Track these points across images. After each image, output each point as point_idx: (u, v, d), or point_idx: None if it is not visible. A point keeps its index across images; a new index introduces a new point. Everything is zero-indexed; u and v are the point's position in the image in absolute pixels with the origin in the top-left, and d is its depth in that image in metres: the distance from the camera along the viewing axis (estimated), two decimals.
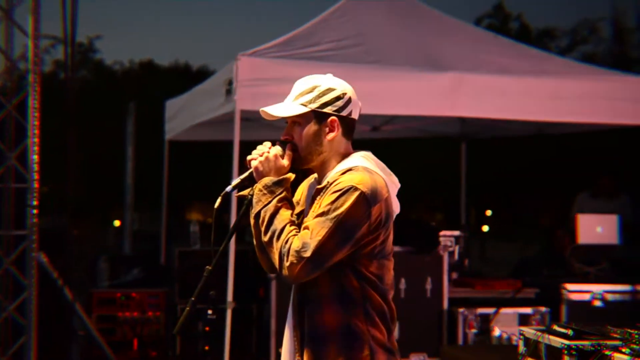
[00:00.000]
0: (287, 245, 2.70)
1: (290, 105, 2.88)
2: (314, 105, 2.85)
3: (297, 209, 2.97)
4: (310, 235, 2.68)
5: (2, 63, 6.55)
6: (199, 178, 19.06)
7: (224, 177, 6.59)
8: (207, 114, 7.32)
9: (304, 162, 2.91)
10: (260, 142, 2.93)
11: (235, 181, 2.92)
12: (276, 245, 2.73)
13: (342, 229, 2.68)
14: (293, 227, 2.75)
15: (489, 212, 21.45)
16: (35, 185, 6.29)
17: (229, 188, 2.91)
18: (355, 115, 2.92)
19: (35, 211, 6.33)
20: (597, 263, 7.43)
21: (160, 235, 9.88)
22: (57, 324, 6.99)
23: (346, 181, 2.73)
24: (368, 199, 2.71)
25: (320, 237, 2.67)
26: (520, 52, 7.56)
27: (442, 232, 7.33)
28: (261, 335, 7.33)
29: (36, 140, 6.21)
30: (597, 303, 6.94)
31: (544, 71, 7.03)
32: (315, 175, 2.98)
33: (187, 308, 2.83)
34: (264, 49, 6.52)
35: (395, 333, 2.94)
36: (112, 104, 18.09)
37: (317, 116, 2.85)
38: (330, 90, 2.87)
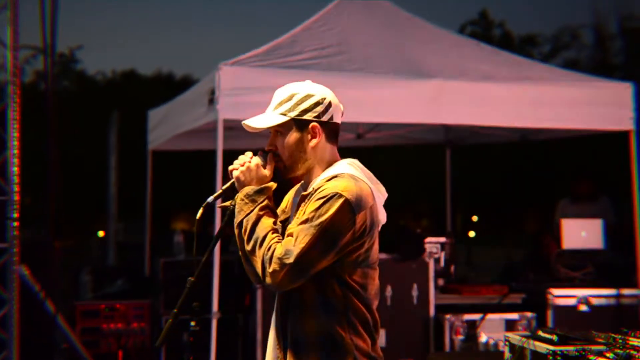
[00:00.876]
0: (270, 253, 2.67)
1: (270, 116, 2.87)
2: (293, 114, 2.84)
3: (282, 217, 2.95)
4: (293, 242, 2.66)
5: None
6: (182, 188, 19.02)
7: (208, 186, 6.57)
8: (189, 124, 7.29)
9: (289, 171, 2.89)
10: (243, 152, 2.91)
11: (217, 192, 2.90)
12: (259, 253, 2.71)
13: (325, 236, 2.66)
14: (275, 235, 2.73)
15: (475, 218, 21.51)
16: (16, 197, 6.23)
17: (210, 198, 2.89)
18: (337, 120, 2.90)
19: (16, 223, 6.27)
20: (582, 268, 7.43)
21: (144, 246, 9.83)
22: (40, 338, 6.91)
23: (331, 188, 2.71)
24: (353, 206, 2.69)
25: (303, 244, 2.65)
26: (503, 59, 7.57)
27: (428, 239, 7.33)
28: (247, 345, 7.29)
29: (16, 152, 6.15)
30: (583, 307, 6.95)
31: (527, 77, 7.05)
32: (302, 182, 2.96)
33: (170, 320, 2.81)
34: (245, 58, 6.51)
35: (382, 340, 2.92)
36: (94, 114, 18.05)
37: (298, 124, 2.84)
38: (308, 96, 2.85)
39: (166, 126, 8.45)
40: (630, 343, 3.52)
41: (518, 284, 7.51)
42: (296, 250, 2.64)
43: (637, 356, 3.42)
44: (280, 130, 2.86)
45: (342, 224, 2.68)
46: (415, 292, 6.86)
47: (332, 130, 2.89)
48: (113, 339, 7.46)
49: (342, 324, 2.74)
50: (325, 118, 2.86)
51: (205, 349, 6.17)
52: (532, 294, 7.23)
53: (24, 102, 6.27)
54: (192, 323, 2.90)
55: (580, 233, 7.50)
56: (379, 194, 2.86)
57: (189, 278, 2.82)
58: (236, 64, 6.37)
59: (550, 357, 3.84)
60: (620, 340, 3.61)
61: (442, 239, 7.66)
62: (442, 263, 7.55)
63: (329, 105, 2.87)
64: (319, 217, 2.67)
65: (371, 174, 2.88)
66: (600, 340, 3.86)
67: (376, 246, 2.84)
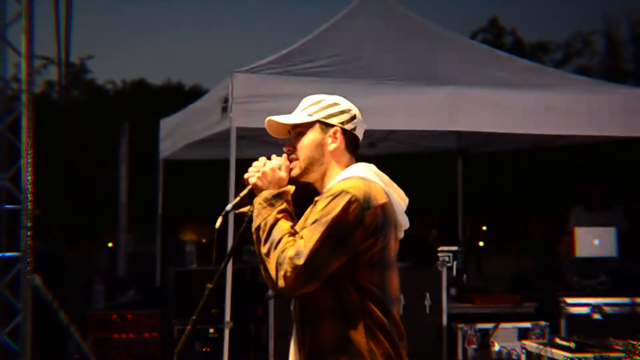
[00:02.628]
0: (283, 255, 2.64)
1: (296, 115, 2.91)
2: (319, 115, 2.87)
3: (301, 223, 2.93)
4: (304, 243, 2.63)
5: None
6: (194, 198, 19.00)
7: (220, 196, 6.54)
8: (202, 132, 7.28)
9: (304, 173, 2.88)
10: (257, 160, 2.90)
11: (235, 200, 2.88)
12: (273, 256, 2.68)
13: (334, 233, 2.63)
14: (291, 238, 2.70)
15: (484, 227, 21.43)
16: (30, 206, 6.23)
17: (229, 207, 2.88)
18: (359, 133, 2.92)
19: (29, 232, 6.26)
20: (595, 276, 7.39)
21: (154, 256, 9.80)
22: (52, 349, 6.90)
23: (338, 186, 2.72)
24: (360, 203, 2.67)
25: (312, 243, 2.62)
26: (517, 66, 7.55)
27: (440, 248, 7.30)
28: (259, 355, 7.25)
29: (30, 160, 6.16)
30: (596, 316, 6.91)
31: (541, 84, 7.02)
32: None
33: (189, 327, 2.78)
34: (259, 66, 6.50)
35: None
36: (104, 124, 18.06)
37: (322, 126, 2.86)
38: (335, 104, 2.90)
39: (178, 135, 8.44)
40: None
41: (530, 292, 7.47)
42: (306, 250, 2.61)
43: None
44: (303, 130, 2.87)
45: (350, 221, 2.65)
46: (427, 302, 6.84)
47: (352, 140, 2.90)
48: (124, 349, 7.45)
49: (359, 329, 2.70)
50: (348, 127, 2.88)
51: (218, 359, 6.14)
52: (545, 303, 7.19)
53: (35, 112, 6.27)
54: (211, 330, 2.86)
55: (594, 241, 7.47)
56: (399, 198, 2.85)
57: (208, 285, 2.80)
58: (250, 71, 6.36)
59: None
60: (639, 347, 3.57)
61: (455, 248, 7.63)
62: (454, 272, 7.52)
63: (354, 117, 2.90)
64: (326, 215, 2.65)
65: (388, 179, 2.87)
66: (618, 347, 3.83)
67: (392, 245, 2.80)
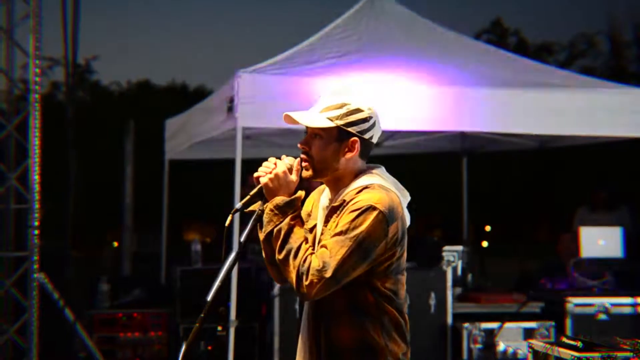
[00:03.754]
0: (306, 265, 2.69)
1: (316, 116, 2.85)
2: (340, 122, 2.82)
3: (310, 223, 2.95)
4: (329, 254, 2.68)
5: (3, 83, 6.52)
6: (198, 198, 19.01)
7: (225, 196, 6.56)
8: (208, 132, 7.29)
9: (317, 175, 2.89)
10: (263, 160, 2.91)
11: (245, 198, 2.89)
12: (293, 264, 2.72)
13: (361, 248, 2.69)
14: (308, 245, 2.75)
15: (488, 228, 21.42)
16: (37, 205, 6.25)
17: (238, 205, 2.90)
18: (375, 140, 2.92)
19: (36, 232, 6.28)
20: (601, 276, 7.39)
21: (157, 256, 9.82)
22: (58, 347, 6.92)
23: (364, 200, 2.73)
24: (387, 218, 2.71)
25: (340, 256, 2.67)
26: (522, 66, 7.55)
27: (445, 247, 7.30)
28: (264, 354, 7.26)
29: (37, 160, 6.18)
30: (602, 316, 6.91)
31: (547, 84, 7.01)
32: (325, 186, 2.96)
33: (197, 325, 2.79)
34: (265, 66, 6.52)
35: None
36: (109, 125, 18.09)
37: (340, 133, 2.83)
38: (358, 110, 2.84)
39: (184, 135, 8.46)
40: None
41: (536, 292, 7.47)
42: (333, 262, 2.66)
43: None
44: (321, 134, 2.85)
45: (376, 236, 2.70)
46: (432, 301, 6.84)
47: (367, 147, 2.89)
48: (130, 348, 7.46)
49: (376, 330, 2.76)
50: (366, 136, 2.86)
51: (222, 358, 6.15)
52: (551, 303, 7.19)
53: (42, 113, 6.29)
54: (219, 328, 2.88)
55: (599, 241, 7.46)
56: (404, 199, 2.88)
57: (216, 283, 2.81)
58: (255, 71, 6.37)
59: None
60: None
61: (459, 247, 7.63)
62: (459, 272, 7.52)
63: (374, 125, 2.88)
64: (353, 229, 2.69)
65: (396, 181, 2.90)
66: (625, 346, 3.83)
67: (405, 253, 2.86)
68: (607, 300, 6.98)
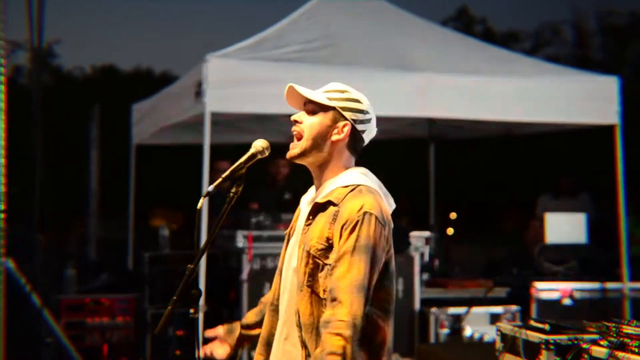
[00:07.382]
0: (347, 318, 2.60)
1: (317, 93, 2.89)
2: (337, 104, 2.84)
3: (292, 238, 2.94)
4: (348, 277, 2.64)
5: None
6: (166, 183, 18.89)
7: (192, 181, 6.53)
8: (176, 117, 7.26)
9: (303, 154, 2.86)
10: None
11: (217, 181, 2.88)
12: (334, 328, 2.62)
13: (375, 255, 2.69)
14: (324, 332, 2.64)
15: (453, 215, 21.53)
16: (3, 189, 6.17)
17: (211, 187, 2.88)
18: (366, 138, 2.92)
19: (2, 215, 6.21)
20: (566, 262, 7.49)
21: (123, 242, 9.77)
22: (25, 332, 6.85)
23: (357, 209, 2.70)
24: (380, 222, 2.71)
25: (361, 275, 2.64)
26: (489, 53, 7.61)
27: (413, 233, 7.35)
28: None
29: (3, 143, 6.10)
30: (566, 301, 6.99)
31: (513, 71, 7.08)
32: (312, 193, 2.94)
33: (169, 308, 2.78)
34: (233, 51, 6.49)
35: None
36: (73, 109, 17.90)
37: (336, 114, 2.84)
38: (358, 101, 2.87)
39: (151, 120, 8.41)
40: (624, 331, 3.52)
41: (502, 278, 7.55)
42: (358, 286, 2.62)
43: (631, 344, 3.44)
44: (316, 110, 2.86)
45: (379, 241, 2.70)
46: (400, 286, 6.89)
47: (357, 141, 2.89)
48: (98, 333, 7.42)
49: (362, 347, 2.68)
50: (359, 127, 2.87)
51: (191, 343, 6.14)
52: (517, 288, 7.28)
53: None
54: (191, 310, 2.87)
55: (564, 227, 7.55)
56: (389, 206, 2.87)
57: (189, 266, 2.80)
58: (224, 56, 6.35)
59: (543, 346, 3.85)
60: (614, 329, 3.61)
61: (427, 233, 7.69)
62: (426, 257, 7.57)
63: (369, 120, 2.89)
64: (363, 242, 2.67)
65: (381, 184, 2.89)
66: (592, 329, 3.88)
67: (393, 257, 2.84)
68: (571, 285, 7.07)
